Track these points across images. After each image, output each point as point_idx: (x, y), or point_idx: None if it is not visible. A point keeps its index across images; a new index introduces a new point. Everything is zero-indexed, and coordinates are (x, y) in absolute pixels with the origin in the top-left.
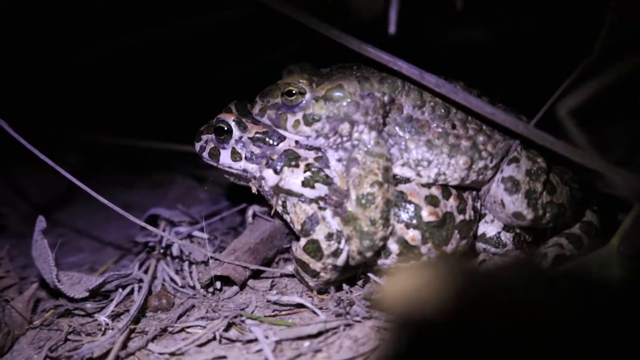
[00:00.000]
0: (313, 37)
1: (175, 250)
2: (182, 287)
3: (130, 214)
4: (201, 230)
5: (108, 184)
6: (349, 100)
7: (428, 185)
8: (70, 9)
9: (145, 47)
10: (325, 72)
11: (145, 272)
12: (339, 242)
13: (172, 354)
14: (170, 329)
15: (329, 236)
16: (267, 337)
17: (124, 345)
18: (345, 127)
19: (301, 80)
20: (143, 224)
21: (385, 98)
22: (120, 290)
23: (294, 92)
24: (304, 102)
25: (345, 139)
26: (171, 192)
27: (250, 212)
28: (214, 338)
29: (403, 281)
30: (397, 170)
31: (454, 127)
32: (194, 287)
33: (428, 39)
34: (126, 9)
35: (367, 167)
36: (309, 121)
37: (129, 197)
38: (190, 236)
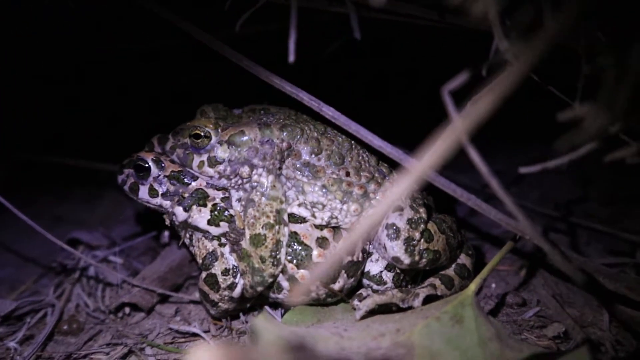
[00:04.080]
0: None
1: (91, 274)
2: (94, 310)
3: (54, 232)
4: (118, 253)
5: (39, 196)
6: (249, 145)
7: (321, 227)
8: None
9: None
10: (236, 114)
11: (60, 296)
12: (234, 277)
13: None
14: (75, 356)
15: (226, 271)
16: None
17: None
18: (245, 170)
19: (208, 125)
20: (64, 245)
21: (284, 145)
22: (31, 315)
23: (200, 135)
24: (209, 145)
25: (245, 180)
26: (101, 206)
27: (165, 235)
28: None
29: None
30: (295, 209)
31: (347, 174)
32: (104, 312)
33: None
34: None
35: (261, 209)
36: (212, 163)
37: (60, 209)
38: (106, 260)
